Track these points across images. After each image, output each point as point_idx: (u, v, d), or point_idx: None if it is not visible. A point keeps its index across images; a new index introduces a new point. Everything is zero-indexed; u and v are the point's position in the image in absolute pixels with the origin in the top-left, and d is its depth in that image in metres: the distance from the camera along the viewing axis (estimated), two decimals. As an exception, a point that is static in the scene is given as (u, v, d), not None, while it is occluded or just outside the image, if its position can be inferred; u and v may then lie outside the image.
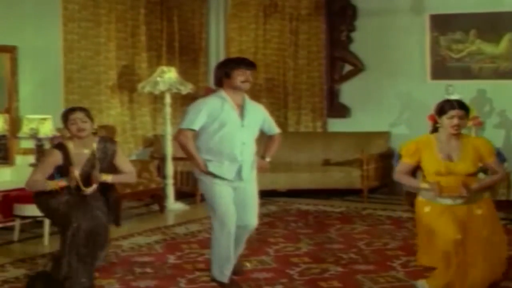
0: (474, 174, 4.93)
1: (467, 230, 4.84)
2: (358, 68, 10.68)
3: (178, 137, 5.43)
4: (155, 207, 9.11)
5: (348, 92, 10.80)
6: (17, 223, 7.37)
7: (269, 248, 6.87)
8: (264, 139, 5.78)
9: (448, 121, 4.91)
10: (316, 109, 10.83)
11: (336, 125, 10.78)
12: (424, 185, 4.98)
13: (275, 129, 5.76)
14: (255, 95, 10.13)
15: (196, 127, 5.34)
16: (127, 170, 5.42)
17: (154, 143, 9.91)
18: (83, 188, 5.12)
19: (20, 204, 7.24)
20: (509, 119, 9.67)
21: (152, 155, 9.70)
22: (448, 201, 4.89)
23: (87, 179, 5.16)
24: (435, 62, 10.08)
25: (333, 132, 10.72)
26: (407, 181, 5.11)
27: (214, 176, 5.38)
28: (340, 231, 7.72)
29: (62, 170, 5.15)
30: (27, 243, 7.30)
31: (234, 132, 5.36)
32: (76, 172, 5.09)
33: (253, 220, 5.56)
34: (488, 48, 9.82)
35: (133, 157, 9.46)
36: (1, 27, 8.05)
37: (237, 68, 5.37)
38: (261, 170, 5.64)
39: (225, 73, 5.40)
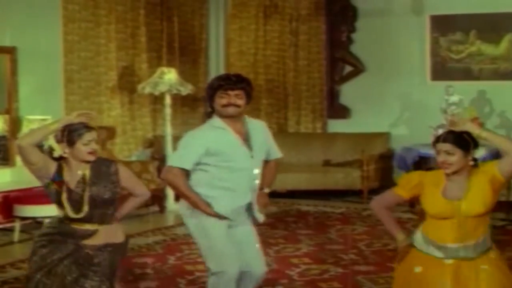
0: (484, 215, 3.83)
1: None
2: (358, 69, 10.67)
3: (165, 175, 4.39)
4: (155, 207, 9.10)
5: (348, 93, 10.79)
6: (17, 224, 7.37)
7: (269, 249, 6.86)
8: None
9: (437, 156, 3.77)
10: (316, 110, 10.82)
11: (336, 126, 10.77)
12: (400, 236, 3.94)
13: (277, 153, 4.63)
14: (255, 96, 10.12)
15: (188, 166, 4.30)
16: (138, 192, 4.12)
17: (154, 144, 9.90)
18: (71, 214, 3.93)
19: (20, 205, 7.25)
20: (509, 120, 9.65)
21: (152, 156, 9.69)
22: (439, 253, 3.78)
23: (76, 205, 3.95)
24: (435, 63, 10.08)
25: (333, 133, 10.72)
26: (385, 220, 4.00)
27: (224, 218, 4.32)
28: (340, 232, 7.72)
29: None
30: (27, 244, 7.25)
31: (243, 169, 4.34)
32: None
33: (259, 264, 4.50)
34: (488, 49, 9.82)
35: (133, 158, 9.46)
36: (1, 27, 8.05)
37: (218, 89, 4.29)
38: (262, 206, 4.54)
39: (209, 96, 4.35)
